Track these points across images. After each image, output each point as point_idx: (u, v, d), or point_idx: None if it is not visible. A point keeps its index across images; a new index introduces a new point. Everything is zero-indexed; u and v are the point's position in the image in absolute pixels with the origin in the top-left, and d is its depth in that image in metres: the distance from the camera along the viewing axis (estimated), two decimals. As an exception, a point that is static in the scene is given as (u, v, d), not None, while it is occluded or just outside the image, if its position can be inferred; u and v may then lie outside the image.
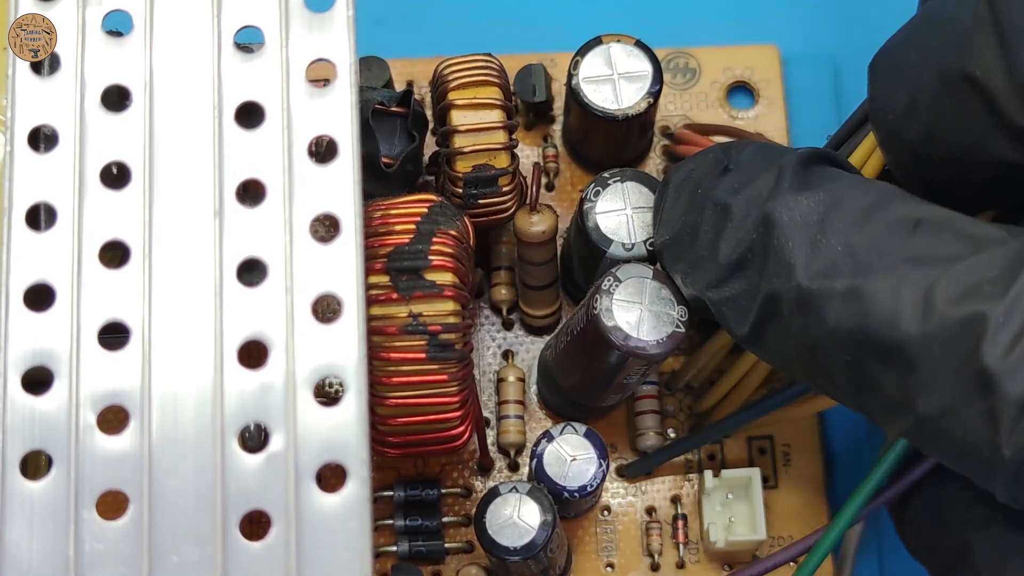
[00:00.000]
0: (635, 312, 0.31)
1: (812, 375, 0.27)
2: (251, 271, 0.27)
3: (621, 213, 0.33)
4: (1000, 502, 0.25)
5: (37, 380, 0.27)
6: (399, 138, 0.35)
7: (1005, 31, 0.25)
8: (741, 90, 0.41)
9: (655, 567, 0.37)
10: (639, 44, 0.36)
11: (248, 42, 0.29)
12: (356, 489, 0.26)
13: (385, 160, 0.34)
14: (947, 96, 0.26)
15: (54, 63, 0.28)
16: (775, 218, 0.27)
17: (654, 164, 0.40)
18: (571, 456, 0.34)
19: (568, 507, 0.34)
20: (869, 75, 0.29)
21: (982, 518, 0.30)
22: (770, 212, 0.27)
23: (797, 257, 0.26)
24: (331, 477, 0.26)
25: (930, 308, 0.24)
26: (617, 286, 0.31)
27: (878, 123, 0.29)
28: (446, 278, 0.31)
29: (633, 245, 0.33)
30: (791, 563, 0.34)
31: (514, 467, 0.38)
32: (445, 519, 0.37)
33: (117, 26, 0.29)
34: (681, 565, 0.37)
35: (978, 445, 0.24)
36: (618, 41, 0.36)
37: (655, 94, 0.35)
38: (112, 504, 0.26)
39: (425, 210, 0.31)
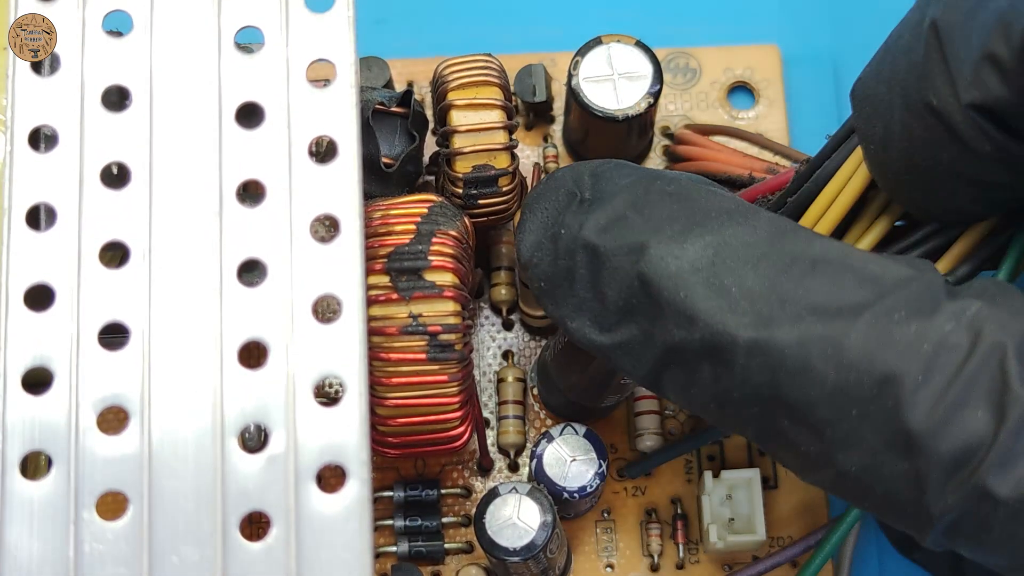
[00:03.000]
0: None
1: (722, 423, 0.26)
2: (251, 271, 0.27)
3: (621, 214, 0.33)
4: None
5: (37, 381, 0.27)
6: (399, 138, 0.35)
7: (949, 61, 0.25)
8: (741, 90, 0.41)
9: (655, 567, 0.37)
10: (639, 44, 0.36)
11: (249, 42, 0.29)
12: (356, 490, 0.26)
13: (385, 160, 0.34)
14: (915, 126, 0.26)
15: (54, 63, 0.28)
16: (662, 268, 0.25)
17: (654, 164, 0.40)
18: (571, 456, 0.34)
19: (568, 507, 0.34)
20: (851, 102, 0.29)
21: None
22: (655, 261, 0.26)
23: (697, 306, 0.25)
24: (331, 478, 0.26)
25: (842, 367, 0.23)
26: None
27: (863, 151, 0.29)
28: (446, 279, 0.31)
29: (633, 246, 0.33)
30: (791, 564, 0.34)
31: (514, 467, 0.38)
32: (445, 519, 0.37)
33: (117, 26, 0.29)
34: (681, 566, 0.37)
35: (903, 502, 0.24)
36: (618, 41, 0.36)
37: (655, 94, 0.35)
38: (112, 505, 0.26)
39: (425, 210, 0.31)
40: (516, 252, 0.29)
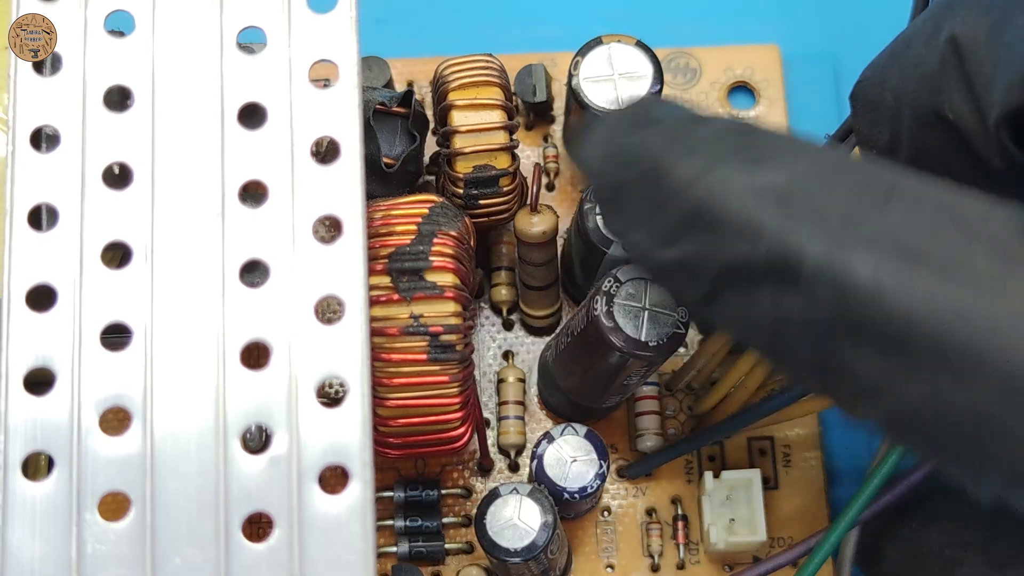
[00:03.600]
0: (636, 313, 0.31)
1: (776, 354, 0.25)
2: (253, 272, 0.27)
3: (623, 214, 0.33)
4: (984, 510, 0.24)
5: (39, 381, 0.26)
6: (400, 138, 0.35)
7: (971, 78, 0.25)
8: (742, 90, 0.41)
9: (655, 568, 0.37)
10: (639, 44, 0.36)
11: (251, 42, 0.29)
12: (359, 491, 0.26)
13: (386, 160, 0.34)
14: (926, 137, 0.26)
15: (56, 62, 0.28)
16: (728, 186, 0.25)
17: (654, 164, 0.40)
18: (571, 457, 0.34)
19: (568, 508, 0.34)
20: (851, 105, 0.28)
21: (955, 560, 0.30)
22: (720, 181, 0.25)
23: (763, 220, 0.24)
24: (333, 478, 0.26)
25: (916, 294, 0.22)
26: (618, 287, 0.31)
27: (862, 153, 0.29)
28: (447, 279, 0.31)
29: (635, 246, 0.33)
30: (791, 565, 0.34)
31: (514, 468, 0.38)
32: (445, 520, 0.37)
33: (119, 26, 0.29)
34: (681, 566, 0.37)
35: (969, 437, 0.23)
36: (619, 41, 0.36)
37: (655, 94, 0.35)
38: (114, 506, 0.26)
39: (426, 211, 0.31)
40: (579, 162, 0.29)
